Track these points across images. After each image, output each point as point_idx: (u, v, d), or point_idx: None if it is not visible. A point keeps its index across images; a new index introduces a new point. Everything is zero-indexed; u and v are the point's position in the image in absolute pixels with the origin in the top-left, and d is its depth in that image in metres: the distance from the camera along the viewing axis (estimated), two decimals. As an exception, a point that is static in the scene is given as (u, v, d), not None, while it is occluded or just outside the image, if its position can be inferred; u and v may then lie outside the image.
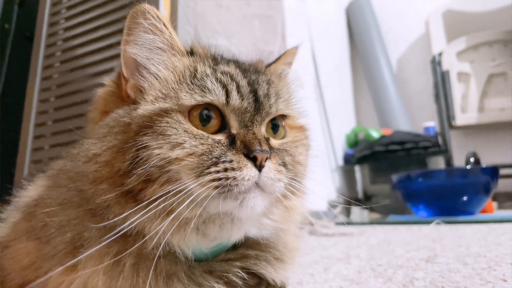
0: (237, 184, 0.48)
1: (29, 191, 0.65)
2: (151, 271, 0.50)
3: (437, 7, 3.55)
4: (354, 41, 3.89)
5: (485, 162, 2.63)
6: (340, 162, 3.19)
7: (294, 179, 0.56)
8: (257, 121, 0.55)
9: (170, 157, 0.48)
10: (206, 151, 0.50)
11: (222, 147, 0.51)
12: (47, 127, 2.43)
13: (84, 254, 0.49)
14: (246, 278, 0.55)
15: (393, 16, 3.93)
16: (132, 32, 0.57)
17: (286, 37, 2.17)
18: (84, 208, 0.53)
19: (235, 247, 0.59)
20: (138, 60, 0.57)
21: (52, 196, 0.56)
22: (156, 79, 0.56)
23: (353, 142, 3.30)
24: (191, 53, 0.60)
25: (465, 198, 1.94)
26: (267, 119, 0.58)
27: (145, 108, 0.52)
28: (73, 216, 0.53)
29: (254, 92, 0.56)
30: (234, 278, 0.55)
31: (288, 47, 2.17)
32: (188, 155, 0.49)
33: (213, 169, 0.49)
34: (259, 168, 0.50)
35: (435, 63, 3.29)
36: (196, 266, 0.54)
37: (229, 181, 0.48)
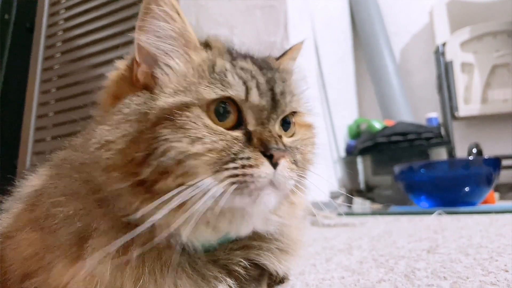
0: (253, 181, 0.49)
1: (31, 181, 0.64)
2: (157, 262, 0.50)
3: (441, -3, 3.52)
4: (357, 32, 3.86)
5: (488, 153, 2.63)
6: (342, 153, 3.18)
7: (301, 176, 0.57)
8: (272, 119, 0.55)
9: (189, 151, 0.48)
10: (225, 147, 0.50)
11: (240, 144, 0.51)
12: (48, 118, 2.44)
13: (92, 247, 0.49)
14: (249, 266, 0.56)
15: (396, 6, 3.89)
16: (145, 18, 0.55)
17: (289, 28, 2.16)
18: (91, 199, 0.52)
19: (239, 237, 0.59)
20: (150, 48, 0.56)
21: (57, 186, 0.56)
22: (173, 71, 0.56)
23: (356, 133, 3.30)
24: (208, 46, 0.59)
25: (467, 189, 1.94)
26: (281, 117, 0.58)
27: (165, 100, 0.52)
28: (80, 206, 0.52)
29: (272, 90, 0.56)
30: (237, 268, 0.55)
31: (290, 38, 2.16)
32: (209, 150, 0.49)
33: (231, 165, 0.49)
34: (274, 166, 0.51)
35: (439, 53, 3.27)
36: (200, 257, 0.54)
37: (246, 177, 0.48)
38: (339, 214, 1.85)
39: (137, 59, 0.57)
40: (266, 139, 0.52)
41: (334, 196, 2.13)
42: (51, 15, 2.62)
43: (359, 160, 3.20)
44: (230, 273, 0.55)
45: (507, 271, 0.67)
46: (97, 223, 0.50)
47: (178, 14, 0.56)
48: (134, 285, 0.49)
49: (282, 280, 0.66)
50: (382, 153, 2.99)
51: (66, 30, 2.53)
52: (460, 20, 3.39)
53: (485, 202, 2.06)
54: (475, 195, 1.97)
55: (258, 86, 0.55)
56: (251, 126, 0.54)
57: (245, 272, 0.55)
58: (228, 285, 0.53)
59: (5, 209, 0.63)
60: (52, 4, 2.64)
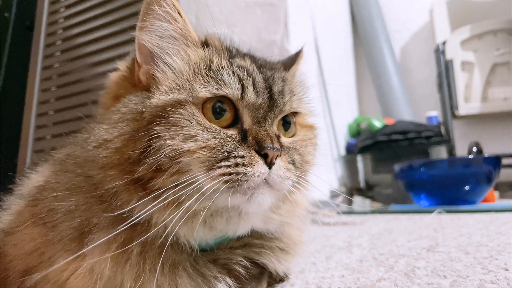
0: (247, 180, 0.49)
1: (33, 179, 0.65)
2: (158, 260, 0.50)
3: (441, -5, 3.51)
4: (357, 30, 3.85)
5: (488, 152, 2.63)
6: (343, 151, 3.18)
7: (301, 176, 0.57)
8: (270, 118, 0.55)
9: (182, 149, 0.49)
10: (218, 145, 0.50)
11: (234, 142, 0.51)
12: (48, 116, 2.44)
13: (93, 243, 0.49)
14: (249, 266, 0.56)
15: (397, 5, 3.88)
16: (146, 19, 0.56)
17: (289, 26, 2.15)
18: (92, 194, 0.53)
19: (240, 235, 0.59)
20: (151, 48, 0.57)
21: (60, 181, 0.56)
22: (171, 69, 0.56)
23: (356, 132, 3.30)
24: (206, 44, 0.59)
25: (467, 187, 1.94)
26: (280, 116, 0.58)
27: (159, 98, 0.52)
28: (81, 201, 0.53)
29: (269, 89, 0.56)
30: (237, 267, 0.55)
31: (291, 36, 2.16)
32: (201, 148, 0.49)
33: (224, 163, 0.49)
34: (269, 165, 0.51)
35: (439, 52, 3.26)
36: (201, 256, 0.54)
37: (239, 176, 0.48)
38: (339, 213, 1.85)
39: (138, 60, 0.57)
40: (261, 138, 0.52)
41: (334, 194, 2.13)
42: (51, 13, 2.62)
43: (359, 159, 3.19)
44: (230, 272, 0.55)
45: (507, 269, 0.67)
46: (97, 219, 0.51)
47: (180, 13, 0.56)
48: (134, 282, 0.49)
49: (282, 279, 0.66)
50: (382, 151, 2.99)
51: (66, 28, 2.53)
52: (461, 19, 3.39)
53: (485, 200, 2.06)
54: (475, 193, 1.97)
55: (254, 85, 0.54)
56: (247, 125, 0.54)
57: (245, 271, 0.55)
58: (228, 285, 0.53)
59: (6, 207, 0.63)
60: (52, 2, 2.64)
